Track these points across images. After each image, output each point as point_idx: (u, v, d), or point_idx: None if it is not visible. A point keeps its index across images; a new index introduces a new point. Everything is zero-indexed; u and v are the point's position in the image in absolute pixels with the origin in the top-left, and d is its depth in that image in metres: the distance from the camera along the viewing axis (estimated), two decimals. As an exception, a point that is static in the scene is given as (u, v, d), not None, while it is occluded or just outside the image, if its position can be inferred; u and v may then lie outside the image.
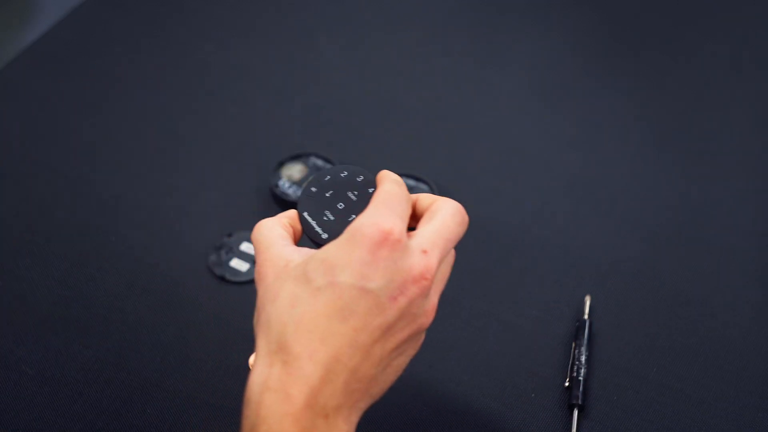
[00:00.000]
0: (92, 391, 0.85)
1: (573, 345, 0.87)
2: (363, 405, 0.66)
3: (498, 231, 0.98)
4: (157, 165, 1.04)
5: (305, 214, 0.73)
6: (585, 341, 0.87)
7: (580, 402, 0.83)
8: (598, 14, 1.21)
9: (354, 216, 0.72)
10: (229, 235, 0.96)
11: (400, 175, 1.01)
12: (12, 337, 0.88)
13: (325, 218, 0.73)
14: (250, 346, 0.87)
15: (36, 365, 0.86)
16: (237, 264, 0.94)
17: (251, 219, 0.98)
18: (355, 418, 0.65)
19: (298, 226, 0.72)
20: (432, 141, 1.07)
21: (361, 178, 0.73)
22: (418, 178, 1.00)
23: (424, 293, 0.65)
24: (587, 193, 1.01)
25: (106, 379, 0.85)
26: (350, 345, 0.64)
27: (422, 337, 0.69)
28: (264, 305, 0.66)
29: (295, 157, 1.02)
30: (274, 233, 0.70)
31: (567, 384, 0.85)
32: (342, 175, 0.74)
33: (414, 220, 0.71)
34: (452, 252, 0.71)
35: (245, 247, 0.95)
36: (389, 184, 0.69)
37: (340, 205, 0.73)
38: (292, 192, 0.99)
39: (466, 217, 0.70)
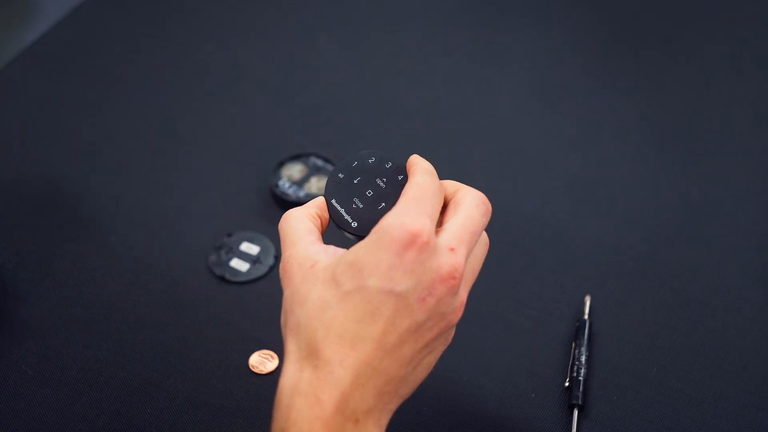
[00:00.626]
0: (92, 391, 0.85)
1: (573, 345, 0.87)
2: (393, 407, 0.66)
3: (498, 231, 0.98)
4: (157, 165, 1.04)
5: (333, 202, 0.72)
6: (585, 341, 0.87)
7: (580, 402, 0.83)
8: (598, 14, 1.21)
9: (384, 204, 0.71)
10: (229, 235, 0.96)
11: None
12: (12, 337, 0.88)
13: (354, 206, 0.72)
14: (250, 346, 0.87)
15: (36, 365, 0.86)
16: (237, 264, 0.94)
17: (251, 219, 0.98)
18: (385, 421, 0.65)
19: (326, 215, 0.72)
20: (432, 141, 1.07)
21: (390, 164, 0.72)
22: (418, 178, 1.00)
23: (453, 291, 0.65)
24: (587, 193, 1.01)
25: (106, 379, 0.85)
26: (379, 348, 0.64)
27: (452, 333, 0.68)
28: (293, 308, 0.66)
29: (295, 157, 1.02)
30: (301, 226, 0.69)
31: (567, 384, 0.85)
32: (370, 161, 0.73)
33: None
34: (485, 242, 0.70)
35: (245, 247, 0.95)
36: (420, 176, 0.68)
37: (369, 193, 0.72)
38: (292, 192, 0.99)
39: (489, 207, 0.70)
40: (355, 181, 0.72)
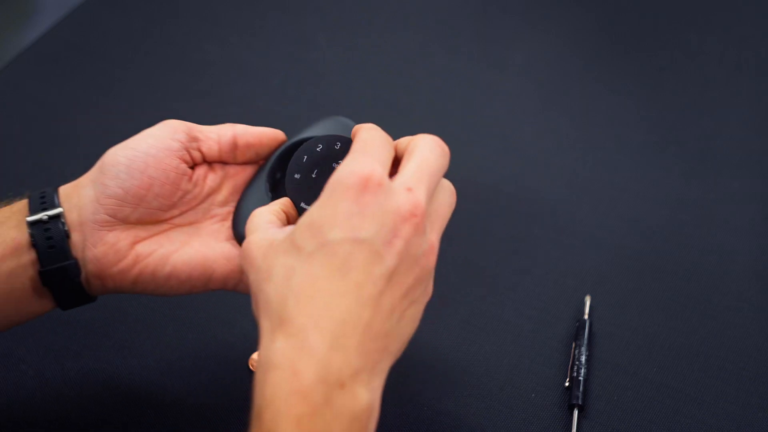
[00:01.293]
0: (92, 391, 0.85)
1: (573, 345, 0.87)
2: (384, 366, 0.62)
3: (498, 231, 0.98)
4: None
5: (302, 205, 0.72)
6: (585, 341, 0.87)
7: (580, 402, 0.83)
8: (598, 14, 1.21)
9: None
10: (229, 235, 0.96)
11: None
12: (12, 337, 0.88)
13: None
14: (250, 346, 0.87)
15: (36, 365, 0.86)
16: (237, 264, 0.94)
17: (251, 219, 0.98)
18: (377, 383, 0.61)
19: (293, 212, 0.72)
20: (432, 141, 1.07)
21: (338, 144, 0.72)
22: (418, 178, 1.00)
23: (419, 230, 0.63)
24: (587, 193, 1.01)
25: (106, 379, 0.85)
26: (356, 302, 0.61)
27: (430, 283, 0.66)
28: (260, 286, 0.63)
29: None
30: (262, 219, 0.69)
31: (567, 384, 0.85)
32: (318, 149, 0.73)
33: (396, 166, 0.68)
34: (450, 189, 0.69)
35: (245, 247, 0.95)
36: (364, 132, 0.68)
37: None
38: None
39: (446, 148, 0.68)
40: (313, 175, 0.72)
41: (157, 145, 0.74)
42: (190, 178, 0.76)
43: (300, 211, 0.71)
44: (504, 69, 1.14)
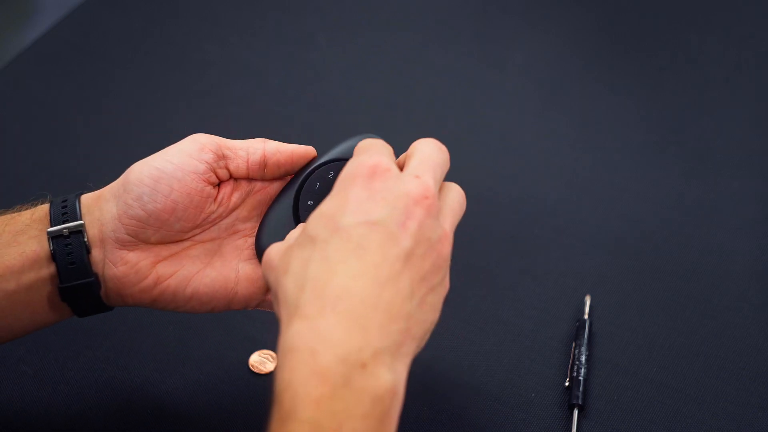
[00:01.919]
0: (92, 391, 0.85)
1: (573, 345, 0.87)
2: (407, 350, 0.61)
3: (498, 231, 0.98)
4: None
5: None
6: (585, 341, 0.87)
7: (580, 402, 0.83)
8: (599, 14, 1.21)
9: None
10: (229, 235, 0.96)
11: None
12: (12, 336, 0.88)
13: None
14: (250, 346, 0.87)
15: (36, 365, 0.86)
16: (237, 264, 0.94)
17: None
18: (401, 367, 0.60)
19: None
20: (432, 141, 1.07)
21: None
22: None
23: (431, 213, 0.63)
24: (587, 193, 1.01)
25: (106, 379, 0.85)
26: (374, 282, 0.60)
27: (447, 275, 0.65)
28: (278, 282, 0.63)
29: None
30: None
31: (567, 384, 0.85)
32: (329, 176, 0.73)
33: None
34: (461, 193, 0.69)
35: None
36: (364, 141, 0.68)
37: None
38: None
39: (444, 147, 0.69)
40: None
41: (183, 167, 0.72)
42: (215, 199, 0.74)
43: None
44: (504, 69, 1.14)
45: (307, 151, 0.75)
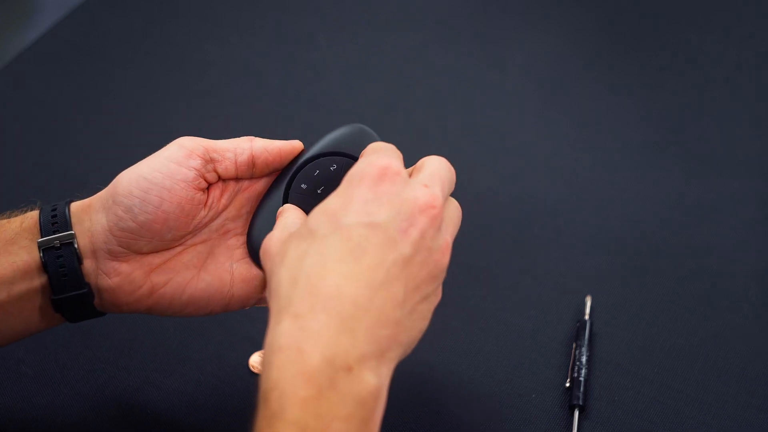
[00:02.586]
0: (92, 391, 0.85)
1: (573, 345, 0.87)
2: (392, 355, 0.61)
3: (498, 231, 0.98)
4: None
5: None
6: (585, 341, 0.87)
7: (580, 402, 0.83)
8: (599, 14, 1.21)
9: None
10: (230, 235, 0.96)
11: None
12: (12, 337, 0.88)
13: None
14: (250, 346, 0.87)
15: (36, 365, 0.86)
16: (237, 264, 0.94)
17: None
18: (386, 371, 0.60)
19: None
20: (432, 141, 1.07)
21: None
22: (419, 178, 1.00)
23: (435, 224, 0.63)
24: (587, 193, 1.01)
25: (106, 379, 0.85)
26: (368, 286, 0.60)
27: (441, 285, 0.65)
28: (273, 271, 0.63)
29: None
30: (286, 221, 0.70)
31: (568, 384, 0.85)
32: (332, 168, 0.73)
33: None
34: (459, 207, 0.69)
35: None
36: (375, 143, 0.68)
37: None
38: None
39: (451, 166, 0.69)
40: (318, 191, 0.72)
41: (172, 176, 0.71)
42: (205, 204, 0.74)
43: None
44: (504, 69, 1.14)
45: (293, 146, 0.74)
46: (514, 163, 1.04)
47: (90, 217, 0.72)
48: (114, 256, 0.72)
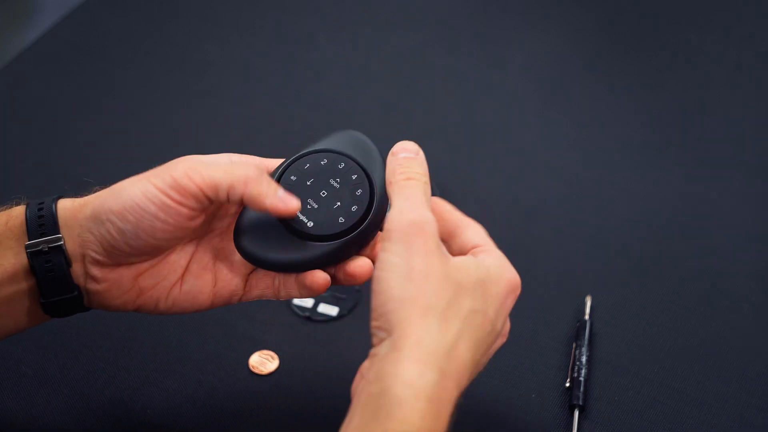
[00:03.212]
0: (92, 391, 0.85)
1: (574, 345, 0.87)
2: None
3: (498, 231, 0.98)
4: (157, 165, 1.04)
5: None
6: (586, 341, 0.87)
7: (580, 402, 0.83)
8: (599, 14, 1.21)
9: (339, 204, 0.72)
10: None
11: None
12: (12, 337, 0.88)
13: (308, 206, 0.72)
14: (250, 346, 0.87)
15: (36, 365, 0.86)
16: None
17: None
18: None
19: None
20: (432, 141, 1.07)
21: (342, 165, 0.73)
22: (419, 178, 1.00)
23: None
24: (587, 193, 1.01)
25: (106, 379, 0.85)
26: (474, 370, 0.68)
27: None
28: (439, 295, 0.66)
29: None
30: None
31: (568, 384, 0.85)
32: (322, 162, 0.73)
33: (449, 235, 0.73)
34: None
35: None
36: (473, 225, 0.74)
37: (323, 193, 0.72)
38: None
39: None
40: (308, 183, 0.73)
41: (167, 210, 0.70)
42: (200, 220, 0.73)
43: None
44: (504, 69, 1.14)
45: (288, 208, 0.72)
46: (514, 163, 1.04)
47: (80, 223, 0.71)
48: (103, 264, 0.72)
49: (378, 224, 0.72)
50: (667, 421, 0.83)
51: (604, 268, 0.95)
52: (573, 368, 0.85)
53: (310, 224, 0.71)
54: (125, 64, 1.14)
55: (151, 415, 0.83)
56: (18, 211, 0.72)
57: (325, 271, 0.72)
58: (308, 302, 0.90)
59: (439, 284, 0.65)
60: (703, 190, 1.02)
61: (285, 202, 0.71)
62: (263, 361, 0.86)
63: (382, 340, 0.64)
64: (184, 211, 0.71)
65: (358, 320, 0.89)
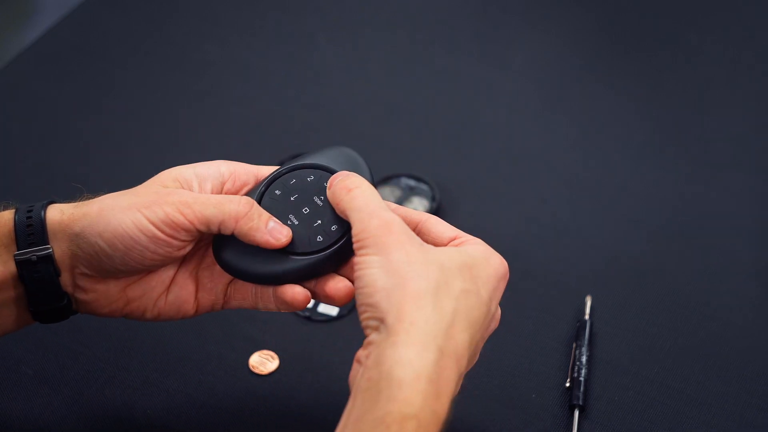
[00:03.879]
0: (92, 391, 0.85)
1: (574, 345, 0.87)
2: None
3: (498, 231, 0.98)
4: (157, 165, 1.03)
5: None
6: (586, 341, 0.87)
7: (580, 402, 0.83)
8: (599, 14, 1.21)
9: (319, 222, 0.72)
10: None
11: (401, 175, 1.01)
12: (12, 337, 0.88)
13: (288, 222, 0.72)
14: (250, 347, 0.87)
15: (36, 365, 0.86)
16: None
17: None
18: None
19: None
20: (432, 141, 1.07)
21: (327, 182, 0.73)
22: (419, 178, 1.00)
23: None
24: (587, 193, 1.01)
25: (106, 379, 0.85)
26: (474, 353, 0.69)
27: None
28: (428, 279, 0.66)
29: (295, 157, 1.02)
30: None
31: (568, 384, 0.85)
32: (309, 179, 0.74)
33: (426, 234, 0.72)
34: None
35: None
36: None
37: (305, 210, 0.73)
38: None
39: None
40: (291, 198, 0.73)
41: (156, 241, 0.71)
42: (187, 247, 0.74)
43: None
44: (504, 69, 1.14)
45: (278, 242, 0.73)
46: (514, 163, 1.04)
47: (69, 237, 0.71)
48: (90, 276, 0.72)
49: None
50: (667, 421, 0.83)
51: (604, 268, 0.94)
52: (573, 368, 0.85)
53: None
54: (125, 64, 1.14)
55: (151, 415, 0.83)
56: (6, 218, 0.72)
57: (303, 287, 0.73)
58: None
59: (423, 268, 0.66)
60: (703, 190, 1.02)
61: (275, 235, 0.72)
62: (263, 361, 0.86)
63: (375, 329, 0.65)
64: (175, 243, 0.72)
65: (358, 320, 0.89)
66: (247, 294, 0.75)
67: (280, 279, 0.72)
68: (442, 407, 0.63)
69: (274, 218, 0.72)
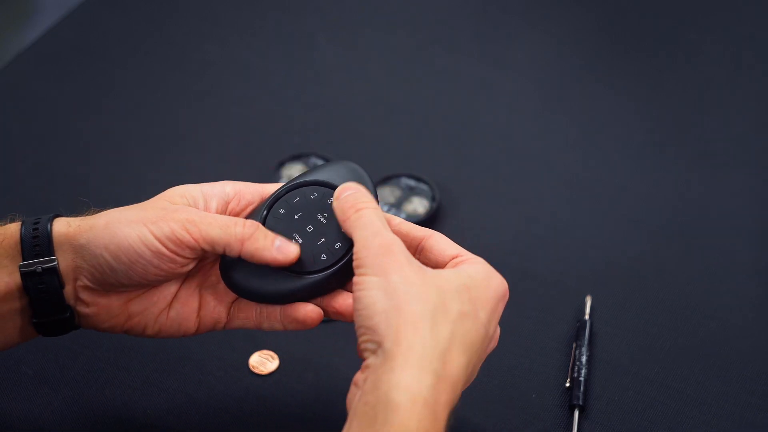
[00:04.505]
0: (92, 391, 0.85)
1: (574, 345, 0.87)
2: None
3: (498, 231, 0.98)
4: (157, 165, 1.04)
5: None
6: (586, 341, 0.87)
7: (581, 402, 0.83)
8: (599, 14, 1.21)
9: (323, 240, 0.72)
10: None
11: (401, 175, 1.01)
12: (12, 337, 0.88)
13: (294, 241, 0.72)
14: (250, 346, 0.87)
15: (36, 365, 0.86)
16: (237, 264, 0.94)
17: (251, 219, 0.97)
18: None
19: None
20: (432, 141, 1.07)
21: (331, 200, 0.73)
22: (419, 178, 1.00)
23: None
24: (587, 193, 1.01)
25: (106, 379, 0.85)
26: (471, 376, 0.69)
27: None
28: (425, 303, 0.66)
29: (296, 157, 1.02)
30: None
31: (568, 384, 0.85)
32: (312, 196, 0.74)
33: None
34: None
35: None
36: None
37: (309, 228, 0.73)
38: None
39: None
40: (296, 217, 0.73)
41: (160, 256, 0.71)
42: (191, 264, 0.74)
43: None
44: (504, 69, 1.14)
45: (287, 258, 0.73)
46: (514, 163, 1.04)
47: (75, 249, 0.72)
48: (93, 290, 0.73)
49: None
50: (667, 421, 0.83)
51: (604, 268, 0.95)
52: (573, 368, 0.85)
53: None
54: (125, 64, 1.14)
55: (151, 415, 0.83)
56: (13, 230, 0.73)
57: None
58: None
59: (421, 291, 0.66)
60: (703, 190, 1.02)
61: (283, 252, 0.72)
62: (263, 361, 0.86)
63: (373, 352, 0.65)
64: (179, 260, 0.72)
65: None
66: (251, 313, 0.75)
67: (287, 298, 0.73)
68: (438, 431, 0.64)
69: (280, 237, 0.72)
